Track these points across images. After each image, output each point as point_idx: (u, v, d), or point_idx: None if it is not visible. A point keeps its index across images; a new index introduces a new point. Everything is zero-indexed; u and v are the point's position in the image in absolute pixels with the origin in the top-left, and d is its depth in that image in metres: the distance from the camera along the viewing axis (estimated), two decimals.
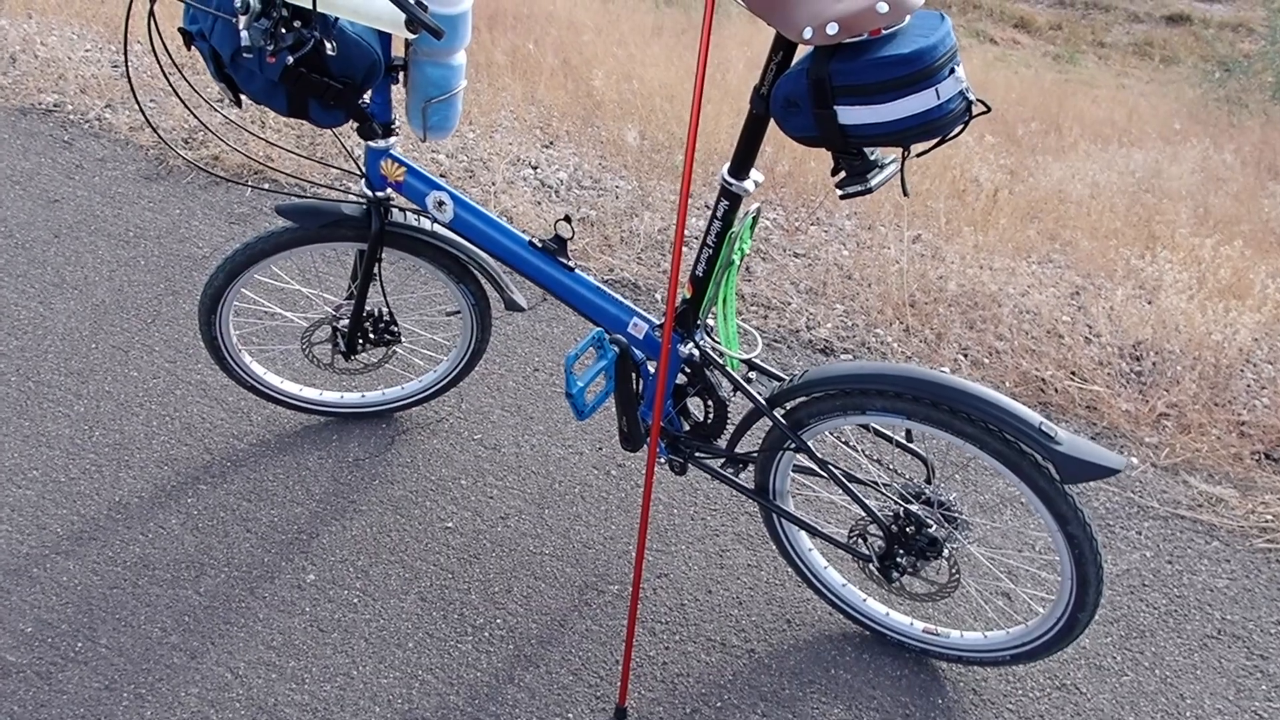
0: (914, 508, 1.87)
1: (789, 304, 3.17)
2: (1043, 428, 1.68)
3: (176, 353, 2.81)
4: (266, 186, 3.59)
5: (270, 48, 1.55)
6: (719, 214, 1.77)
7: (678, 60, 5.95)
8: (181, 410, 2.62)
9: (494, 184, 3.71)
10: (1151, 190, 5.15)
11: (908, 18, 1.45)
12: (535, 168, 3.91)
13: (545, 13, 7.26)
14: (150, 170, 3.67)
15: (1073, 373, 2.88)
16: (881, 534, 1.92)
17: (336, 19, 1.60)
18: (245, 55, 1.55)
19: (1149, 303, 3.28)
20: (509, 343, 2.93)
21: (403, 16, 1.44)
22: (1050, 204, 4.39)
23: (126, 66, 1.95)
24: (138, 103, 1.95)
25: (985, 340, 3.02)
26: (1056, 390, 2.82)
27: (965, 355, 2.98)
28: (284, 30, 1.54)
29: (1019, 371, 2.88)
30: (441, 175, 3.78)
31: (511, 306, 2.33)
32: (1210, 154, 6.26)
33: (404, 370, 2.71)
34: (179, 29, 1.79)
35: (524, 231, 2.07)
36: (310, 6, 1.49)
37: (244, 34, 1.54)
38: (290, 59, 1.57)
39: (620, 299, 2.02)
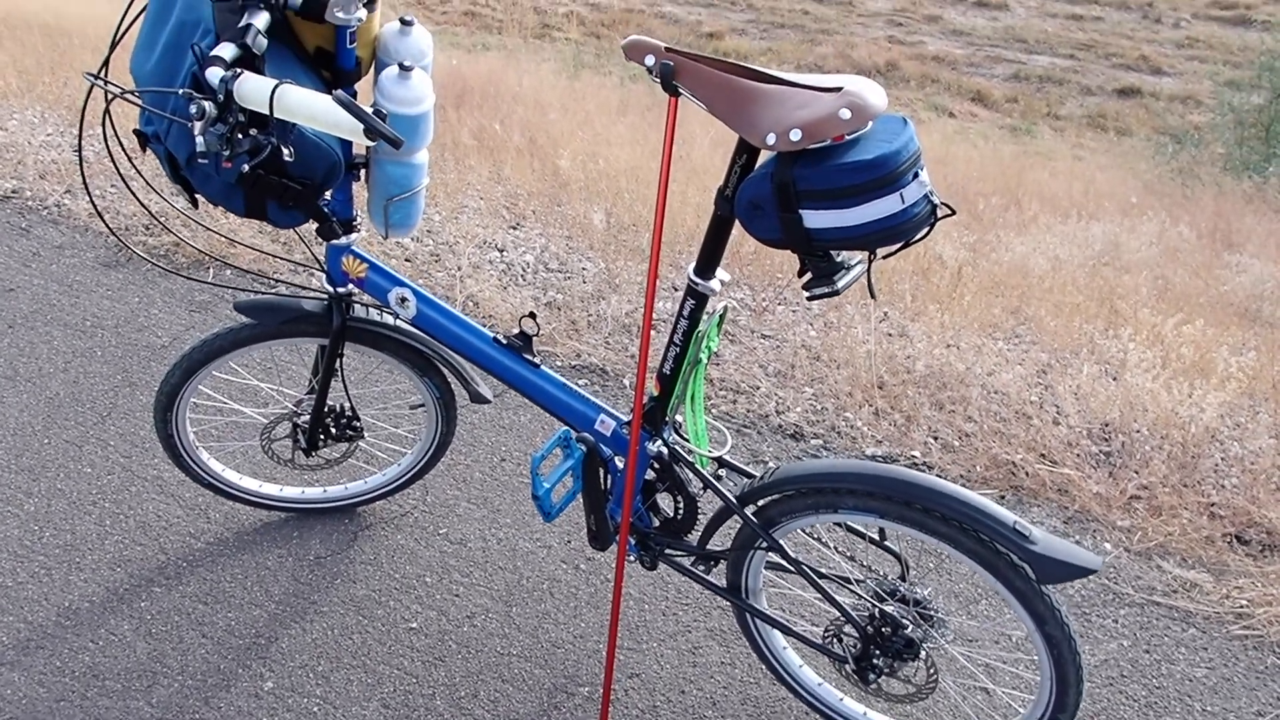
0: (889, 607, 1.83)
1: (758, 388, 3.15)
2: (1017, 527, 1.65)
3: (132, 447, 2.74)
4: (226, 278, 3.54)
5: (226, 153, 1.52)
6: (685, 313, 1.75)
7: (643, 139, 6.00)
8: (136, 508, 2.55)
9: (460, 268, 3.69)
10: (1111, 264, 5.22)
11: (870, 123, 1.45)
12: (502, 250, 3.90)
13: (511, 92, 7.32)
14: (109, 258, 3.62)
15: (1042, 455, 2.87)
16: (857, 635, 1.88)
17: (295, 124, 1.58)
18: (201, 161, 1.52)
19: (1114, 379, 3.29)
20: (475, 432, 2.88)
21: (361, 125, 1.42)
22: (1013, 279, 4.43)
23: (80, 158, 1.92)
24: (89, 195, 1.91)
25: (955, 423, 3.01)
26: (1028, 474, 2.80)
27: (936, 438, 2.97)
28: (240, 135, 1.52)
29: (989, 455, 2.87)
30: (408, 259, 3.76)
31: (477, 399, 2.29)
32: (1167, 226, 6.37)
33: (367, 464, 2.65)
34: (134, 131, 1.77)
35: (488, 327, 2.04)
36: (267, 113, 1.47)
37: (199, 139, 1.51)
38: (246, 166, 1.54)
39: (586, 396, 1.99)
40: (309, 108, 1.47)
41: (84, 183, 1.93)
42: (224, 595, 2.34)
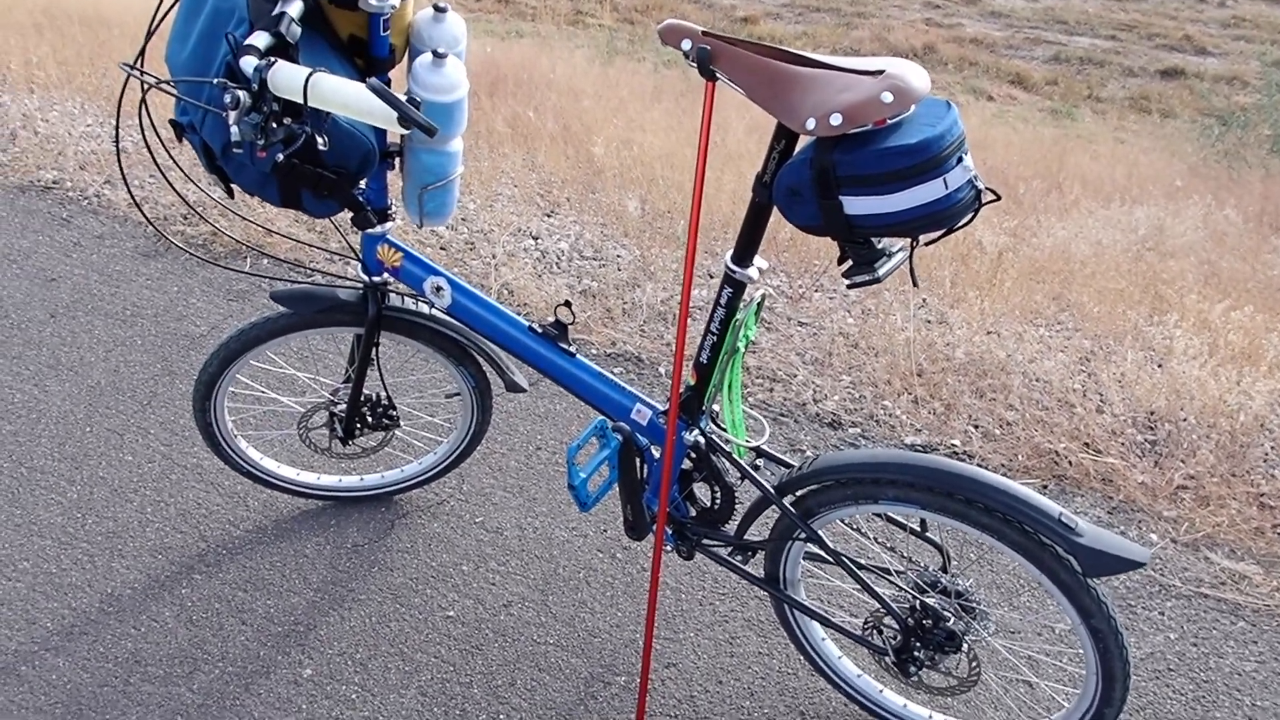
0: (930, 600, 1.81)
1: (795, 376, 3.12)
2: (1063, 519, 1.62)
3: (172, 435, 2.76)
4: (263, 267, 3.56)
5: (261, 142, 1.52)
6: (723, 301, 1.72)
7: (677, 125, 5.96)
8: (177, 496, 2.57)
9: (495, 256, 3.68)
10: (1156, 248, 5.13)
11: (913, 106, 1.42)
12: (536, 238, 3.89)
13: (545, 79, 7.30)
14: (149, 247, 3.65)
15: (1086, 444, 2.82)
16: (897, 626, 1.85)
17: (329, 113, 1.57)
18: (235, 150, 1.52)
19: (1160, 367, 3.23)
20: (511, 420, 2.88)
21: (395, 114, 1.41)
22: (1055, 265, 4.36)
23: (117, 149, 1.92)
24: (127, 187, 1.92)
25: (996, 411, 2.97)
26: (1071, 464, 2.76)
27: (976, 427, 2.93)
28: (274, 125, 1.51)
29: (1031, 444, 2.82)
30: (443, 248, 3.76)
31: (513, 388, 2.28)
32: (1212, 210, 6.24)
33: (403, 453, 2.65)
34: (169, 121, 1.77)
35: (524, 315, 2.03)
36: (301, 101, 1.46)
37: (234, 129, 1.50)
38: (280, 155, 1.53)
39: (623, 385, 1.98)
40: (342, 96, 1.46)
41: (121, 174, 1.94)
42: (263, 582, 2.35)
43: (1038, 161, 7.42)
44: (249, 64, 1.51)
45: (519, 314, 2.02)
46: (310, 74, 1.48)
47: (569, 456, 1.89)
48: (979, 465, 2.76)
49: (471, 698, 2.11)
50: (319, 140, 1.54)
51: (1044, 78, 14.20)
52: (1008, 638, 2.26)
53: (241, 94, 1.50)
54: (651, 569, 1.77)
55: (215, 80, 1.54)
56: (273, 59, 1.51)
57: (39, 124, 4.61)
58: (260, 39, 1.55)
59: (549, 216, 4.17)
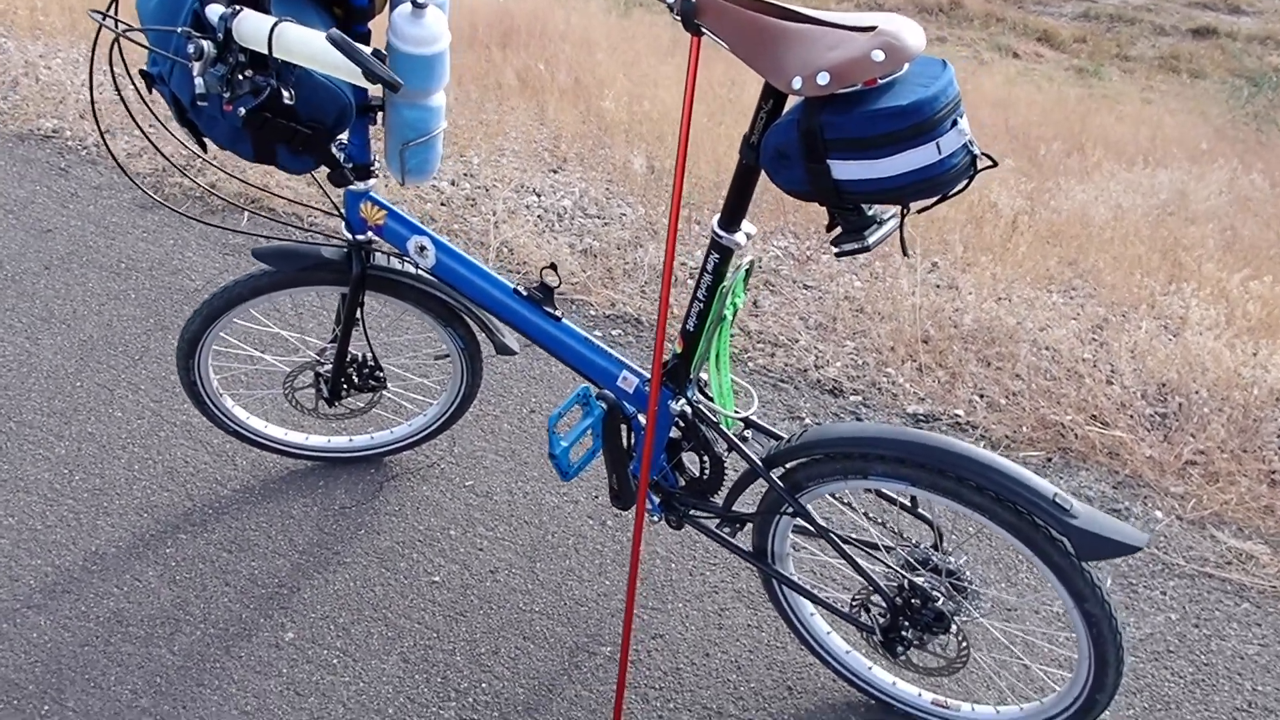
0: (919, 579, 1.75)
1: (797, 340, 3.05)
2: (1057, 499, 1.56)
3: (163, 391, 2.73)
4: (259, 222, 3.50)
5: (226, 95, 1.46)
6: (709, 267, 1.66)
7: None
8: (165, 453, 2.54)
9: (495, 213, 3.61)
10: (1177, 214, 5.00)
11: (906, 65, 1.34)
12: (539, 195, 3.81)
13: (559, 31, 7.17)
14: (145, 200, 3.59)
15: (1093, 416, 2.75)
16: (885, 605, 1.80)
17: (298, 65, 1.50)
18: (201, 103, 1.46)
19: (1174, 337, 3.15)
20: (505, 382, 2.83)
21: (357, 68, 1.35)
22: (1072, 229, 4.25)
23: (91, 99, 1.86)
24: (103, 138, 1.87)
25: (1002, 381, 2.90)
26: (1077, 436, 2.69)
27: (981, 397, 2.86)
28: (240, 77, 1.45)
29: (1037, 415, 2.75)
30: (444, 203, 3.69)
31: (502, 350, 2.23)
32: (1238, 174, 6.09)
33: (393, 415, 2.61)
34: (139, 71, 1.71)
35: (522, 275, 1.97)
36: (266, 52, 1.40)
37: (198, 80, 1.44)
38: (243, 110, 1.47)
39: (609, 351, 1.92)
40: (308, 47, 1.40)
41: (97, 125, 1.88)
42: (248, 543, 2.32)
43: (1060, 122, 7.26)
44: (214, 12, 1.45)
45: (517, 273, 1.96)
46: (276, 24, 1.42)
47: (550, 425, 1.84)
48: (982, 436, 2.70)
49: (454, 665, 2.08)
50: (285, 94, 1.47)
51: (1072, 35, 13.91)
52: (1001, 617, 2.21)
53: (206, 44, 1.44)
54: (633, 540, 1.73)
55: (180, 30, 1.48)
56: (239, 7, 1.45)
57: (41, 71, 4.54)
58: None
59: (554, 173, 4.09)
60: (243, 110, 1.47)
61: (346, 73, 1.37)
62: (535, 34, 6.98)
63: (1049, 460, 2.65)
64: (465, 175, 3.93)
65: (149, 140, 1.93)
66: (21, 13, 5.30)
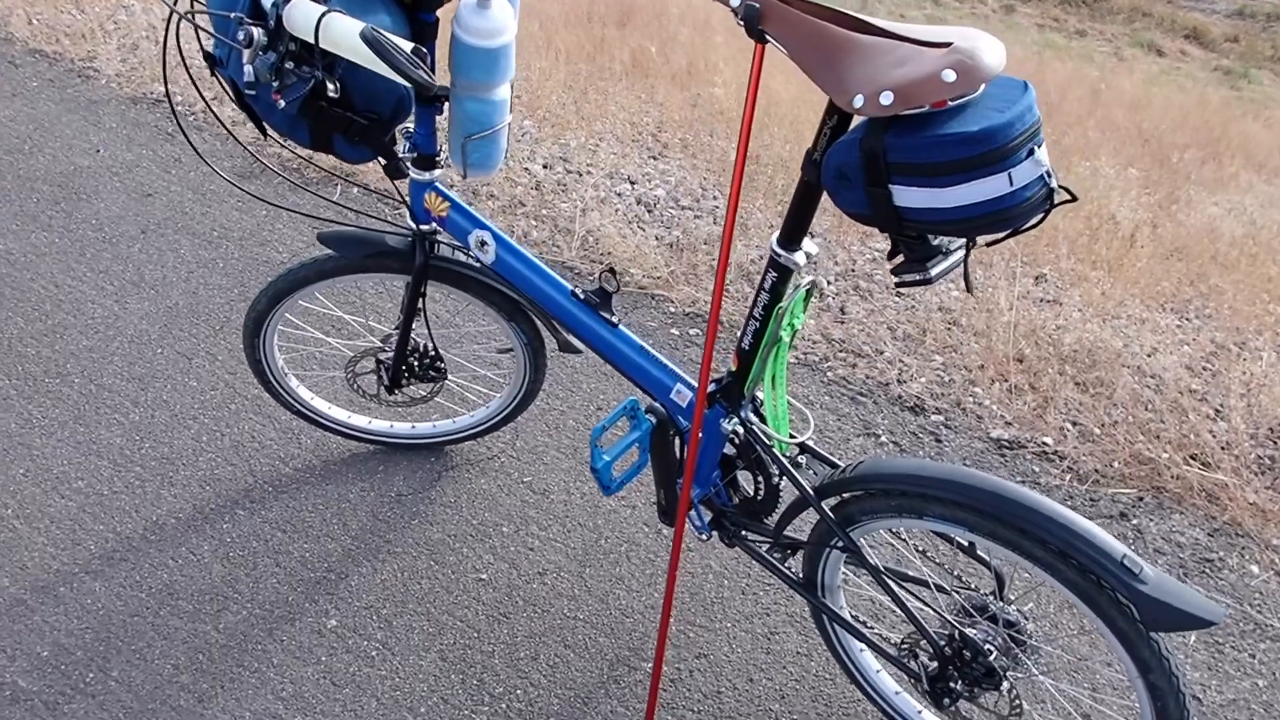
0: (972, 631, 1.64)
1: (881, 352, 2.92)
2: (1126, 561, 1.43)
3: (238, 364, 2.75)
4: (353, 196, 3.52)
5: (275, 84, 1.42)
6: (766, 286, 1.57)
7: None
8: (233, 426, 2.56)
9: (584, 199, 3.56)
10: None
11: (982, 87, 1.23)
12: (633, 183, 3.74)
13: (679, 13, 7.07)
14: (244, 168, 3.64)
15: (1193, 455, 2.56)
16: (933, 653, 1.69)
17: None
18: (249, 91, 1.43)
19: None
20: (575, 376, 2.78)
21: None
22: (1198, 245, 3.99)
23: (165, 80, 1.86)
24: (175, 116, 1.87)
25: (1098, 408, 2.72)
26: (1173, 475, 2.51)
27: (1074, 424, 2.69)
28: (289, 66, 1.41)
29: (1132, 449, 2.58)
30: (536, 187, 3.65)
31: (566, 348, 2.17)
32: None
33: (457, 404, 2.58)
34: (202, 53, 1.69)
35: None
36: (312, 42, 1.36)
37: (246, 68, 1.41)
38: (288, 100, 1.43)
39: (665, 361, 1.84)
40: (352, 39, 1.35)
41: (170, 104, 1.88)
42: (303, 525, 2.32)
43: (1199, 127, 6.87)
44: None
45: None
46: (324, 13, 1.37)
47: (593, 438, 1.78)
48: (1069, 468, 2.55)
49: (491, 668, 2.05)
50: (330, 86, 1.43)
51: (1223, 34, 13.19)
52: (1061, 676, 2.07)
53: (256, 31, 1.41)
54: (670, 558, 1.65)
55: (233, 15, 1.45)
56: None
57: (161, 35, 4.65)
58: None
59: (655, 159, 4.02)
60: (285, 102, 1.43)
61: (385, 67, 1.32)
62: (655, 15, 6.90)
63: (1140, 499, 2.48)
64: (560, 159, 3.88)
65: (215, 116, 1.92)
66: None
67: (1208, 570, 2.31)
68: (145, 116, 3.95)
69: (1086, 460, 2.58)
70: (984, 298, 3.18)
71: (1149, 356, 2.96)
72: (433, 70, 1.78)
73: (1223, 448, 2.58)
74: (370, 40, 1.29)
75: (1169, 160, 5.58)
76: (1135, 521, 2.43)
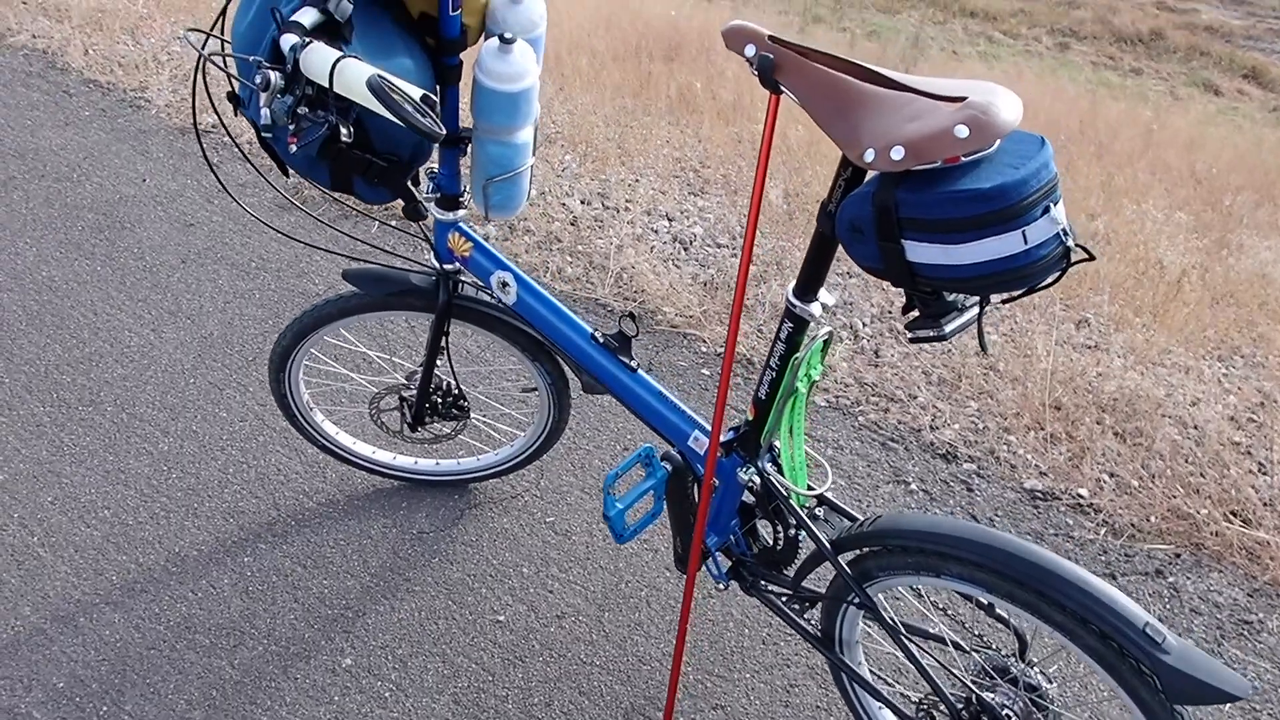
0: (990, 695, 1.59)
1: (915, 397, 2.87)
2: (1148, 630, 1.37)
3: (269, 396, 2.77)
4: (389, 231, 3.54)
5: (292, 128, 1.43)
6: (782, 336, 1.54)
7: None
8: (260, 459, 2.57)
9: (620, 236, 3.55)
10: None
11: (997, 142, 1.20)
12: (671, 219, 3.73)
13: (725, 49, 7.06)
14: (285, 200, 3.69)
15: (1234, 511, 2.48)
16: (949, 716, 1.64)
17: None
18: (266, 134, 1.43)
19: None
20: (602, 416, 2.76)
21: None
22: (1248, 292, 3.90)
23: (195, 119, 1.87)
24: (205, 157, 1.89)
25: (1137, 460, 2.65)
26: (1213, 532, 2.43)
27: (1111, 476, 2.62)
28: (303, 111, 1.42)
29: (1170, 504, 2.50)
30: (573, 223, 3.65)
31: (590, 389, 2.15)
32: None
33: (481, 442, 2.57)
34: (227, 95, 1.70)
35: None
36: (327, 86, 1.36)
37: (263, 111, 1.42)
38: (300, 145, 1.44)
39: (683, 408, 1.82)
40: (362, 85, 1.35)
41: (199, 140, 1.90)
42: (323, 560, 2.32)
43: (1254, 169, 6.73)
44: (286, 42, 1.42)
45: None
46: (340, 59, 1.37)
47: (606, 485, 1.76)
48: (1104, 522, 2.48)
49: (504, 713, 2.02)
50: (343, 131, 1.43)
51: None
52: None
53: (274, 75, 1.41)
54: (682, 607, 1.62)
55: (252, 58, 1.46)
56: (309, 39, 1.42)
57: (213, 66, 4.73)
58: (306, 15, 1.45)
59: (694, 196, 4.00)
60: (296, 147, 1.44)
61: (394, 114, 1.32)
62: (704, 50, 6.92)
63: (1177, 556, 2.40)
64: (599, 194, 3.88)
65: (244, 155, 1.93)
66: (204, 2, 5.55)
67: (1246, 633, 2.23)
68: (192, 146, 4.02)
69: (1122, 514, 2.50)
70: (1022, 343, 3.12)
71: (1192, 406, 2.88)
72: (456, 113, 1.79)
73: (1265, 504, 2.49)
74: (375, 89, 1.29)
75: (1220, 203, 5.47)
76: (1171, 579, 2.35)
